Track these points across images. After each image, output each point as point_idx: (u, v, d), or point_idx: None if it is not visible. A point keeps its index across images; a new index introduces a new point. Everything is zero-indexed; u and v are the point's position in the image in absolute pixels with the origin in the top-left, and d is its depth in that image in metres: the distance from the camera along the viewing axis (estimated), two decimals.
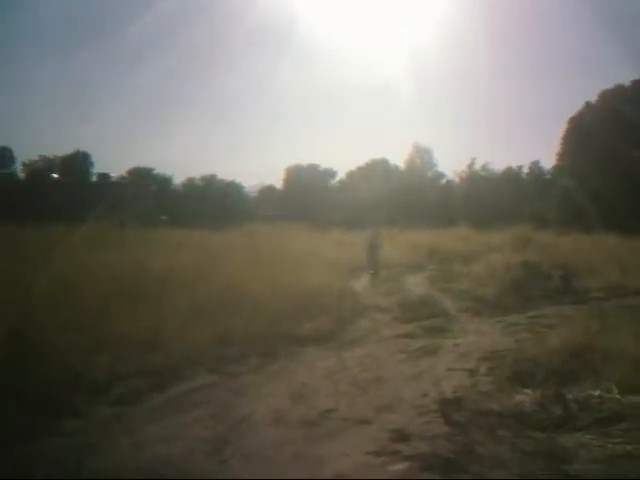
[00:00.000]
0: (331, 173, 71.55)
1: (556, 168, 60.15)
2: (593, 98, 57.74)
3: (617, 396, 6.97)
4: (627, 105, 52.24)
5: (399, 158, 71.85)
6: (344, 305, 13.48)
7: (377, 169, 65.12)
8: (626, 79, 57.09)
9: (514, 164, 65.84)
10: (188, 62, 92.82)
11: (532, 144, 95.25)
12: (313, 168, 71.19)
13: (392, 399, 7.44)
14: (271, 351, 9.71)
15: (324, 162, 71.73)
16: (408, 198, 51.94)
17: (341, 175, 71.21)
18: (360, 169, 67.48)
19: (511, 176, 63.54)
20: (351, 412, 6.94)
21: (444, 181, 66.98)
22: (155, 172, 74.63)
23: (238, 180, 73.27)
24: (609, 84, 57.62)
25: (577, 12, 77.64)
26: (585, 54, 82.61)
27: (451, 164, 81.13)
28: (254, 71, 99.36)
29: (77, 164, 71.91)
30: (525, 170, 66.11)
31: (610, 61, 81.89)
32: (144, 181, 70.19)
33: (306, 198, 59.07)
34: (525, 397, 7.21)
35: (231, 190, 70.91)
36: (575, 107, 58.38)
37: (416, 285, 18.00)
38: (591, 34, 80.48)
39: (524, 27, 75.12)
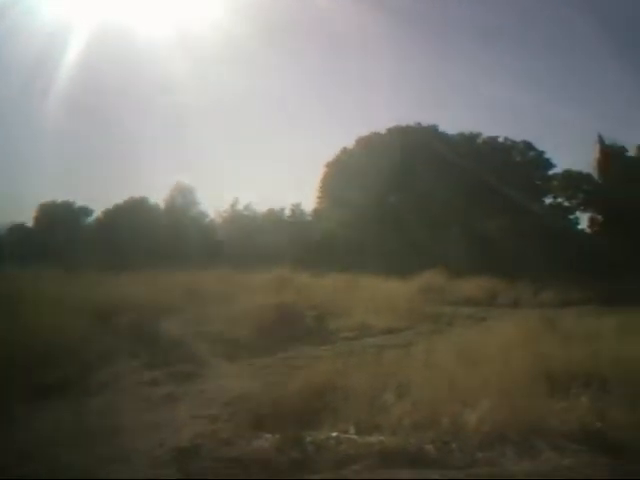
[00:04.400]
0: (87, 211, 68.68)
1: (315, 211, 62.19)
2: (351, 143, 60.69)
3: (354, 437, 7.06)
4: (382, 151, 55.40)
5: (161, 197, 69.85)
6: (88, 350, 12.72)
7: (136, 208, 63.42)
8: (383, 126, 60.49)
9: (278, 205, 66.96)
10: None
11: (296, 186, 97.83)
12: (68, 205, 67.92)
13: (126, 450, 7.06)
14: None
15: (81, 199, 68.49)
16: (168, 238, 51.15)
17: (98, 213, 68.50)
18: (118, 207, 65.35)
19: (273, 217, 64.53)
20: (78, 466, 6.45)
21: (207, 221, 66.58)
22: None
23: None
24: (370, 129, 60.73)
25: (344, 58, 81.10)
26: (349, 98, 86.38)
27: (215, 203, 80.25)
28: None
29: None
30: (287, 212, 67.36)
31: (371, 107, 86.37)
32: None
33: (58, 238, 56.21)
34: (264, 442, 7.14)
35: None
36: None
37: (169, 329, 17.50)
38: (357, 80, 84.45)
39: (292, 69, 77.25)
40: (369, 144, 58.78)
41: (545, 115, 79.25)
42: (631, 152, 54.25)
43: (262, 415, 8.23)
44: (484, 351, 10.58)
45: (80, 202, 68.52)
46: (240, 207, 66.08)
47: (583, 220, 56.05)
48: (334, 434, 7.12)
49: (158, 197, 68.32)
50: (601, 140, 53.36)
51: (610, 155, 53.06)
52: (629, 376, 8.30)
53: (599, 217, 53.87)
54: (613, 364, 9.09)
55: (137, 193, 66.18)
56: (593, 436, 6.76)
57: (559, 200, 56.93)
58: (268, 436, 7.28)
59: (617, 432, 6.80)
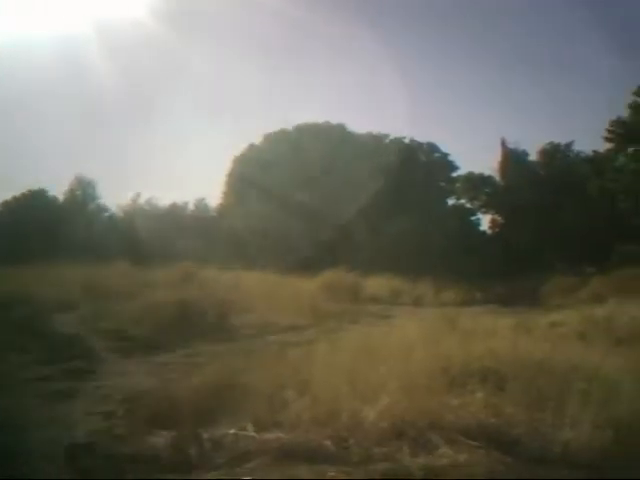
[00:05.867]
0: None
1: (221, 206, 61.72)
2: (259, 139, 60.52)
3: (252, 433, 6.97)
4: (289, 148, 55.50)
5: (60, 190, 67.34)
6: None
7: (34, 200, 61.20)
8: (292, 123, 60.57)
9: (181, 200, 65.78)
10: None
11: (201, 180, 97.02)
12: None
13: (17, 447, 6.80)
14: None
15: None
16: (67, 232, 49.54)
17: None
18: (16, 199, 63.08)
19: (176, 212, 63.45)
20: None
21: (107, 215, 64.79)
22: None
23: None
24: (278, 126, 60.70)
25: (256, 55, 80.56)
26: (259, 95, 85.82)
27: (117, 197, 77.80)
28: None
29: None
30: (191, 207, 66.37)
31: (280, 103, 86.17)
32: None
33: None
34: (160, 439, 7.03)
35: None
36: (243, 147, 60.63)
37: (64, 325, 17.01)
38: (267, 76, 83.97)
39: (201, 64, 75.85)
40: (276, 141, 58.79)
41: (451, 118, 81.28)
42: (533, 156, 56.07)
43: (159, 412, 8.10)
44: (386, 348, 10.62)
45: None
46: (142, 201, 64.80)
47: (485, 221, 57.54)
48: (232, 431, 7.02)
49: (59, 190, 66.11)
50: (504, 144, 54.86)
51: (511, 158, 54.61)
52: (523, 373, 8.47)
53: (499, 218, 55.34)
54: (509, 361, 9.27)
55: (38, 186, 64.04)
56: (488, 432, 6.85)
57: (462, 201, 58.28)
58: (164, 433, 7.16)
59: (511, 428, 6.92)
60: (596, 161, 48.96)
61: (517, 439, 6.72)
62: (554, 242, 45.37)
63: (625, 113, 42.48)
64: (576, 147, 55.66)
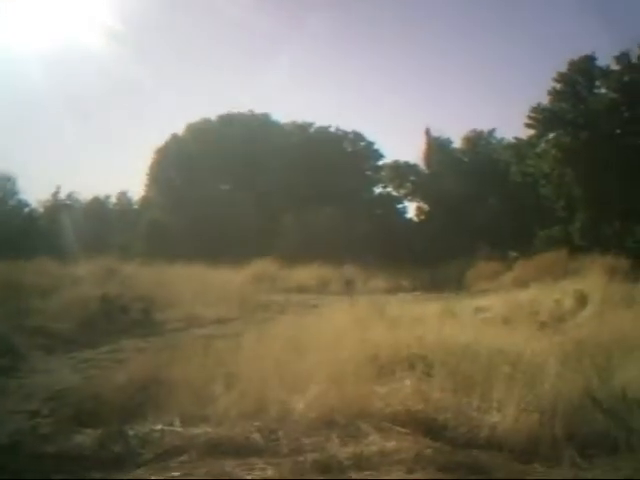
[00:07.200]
0: None
1: (143, 199, 60.84)
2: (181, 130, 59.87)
3: (179, 429, 6.88)
4: (213, 138, 54.98)
5: None
6: None
7: None
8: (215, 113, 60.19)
9: (103, 194, 64.37)
10: None
11: (123, 173, 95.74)
12: None
13: None
14: None
15: None
16: None
17: None
18: None
19: (98, 206, 62.07)
20: None
21: (27, 210, 62.98)
22: None
23: None
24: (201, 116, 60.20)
25: (181, 44, 79.55)
26: (183, 84, 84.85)
27: (37, 192, 75.64)
28: None
29: None
30: (113, 200, 65.10)
31: (204, 94, 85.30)
32: None
33: None
34: (85, 437, 6.90)
35: None
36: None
37: None
38: (189, 65, 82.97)
39: (124, 55, 74.07)
40: (199, 131, 58.20)
41: (377, 106, 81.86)
42: (457, 143, 57.00)
43: (84, 410, 8.02)
44: (314, 338, 10.63)
45: None
46: (62, 196, 63.19)
47: (411, 209, 58.15)
48: (158, 427, 6.92)
49: None
50: (428, 132, 55.49)
51: (435, 146, 55.29)
52: (450, 359, 8.54)
53: (425, 206, 55.97)
54: (436, 347, 9.34)
55: None
56: (416, 418, 6.89)
57: (388, 189, 58.73)
58: (90, 431, 7.04)
59: (439, 413, 6.97)
60: (518, 147, 49.82)
61: (445, 424, 6.78)
62: (478, 228, 46.11)
63: (545, 99, 43.24)
64: (498, 134, 56.97)
